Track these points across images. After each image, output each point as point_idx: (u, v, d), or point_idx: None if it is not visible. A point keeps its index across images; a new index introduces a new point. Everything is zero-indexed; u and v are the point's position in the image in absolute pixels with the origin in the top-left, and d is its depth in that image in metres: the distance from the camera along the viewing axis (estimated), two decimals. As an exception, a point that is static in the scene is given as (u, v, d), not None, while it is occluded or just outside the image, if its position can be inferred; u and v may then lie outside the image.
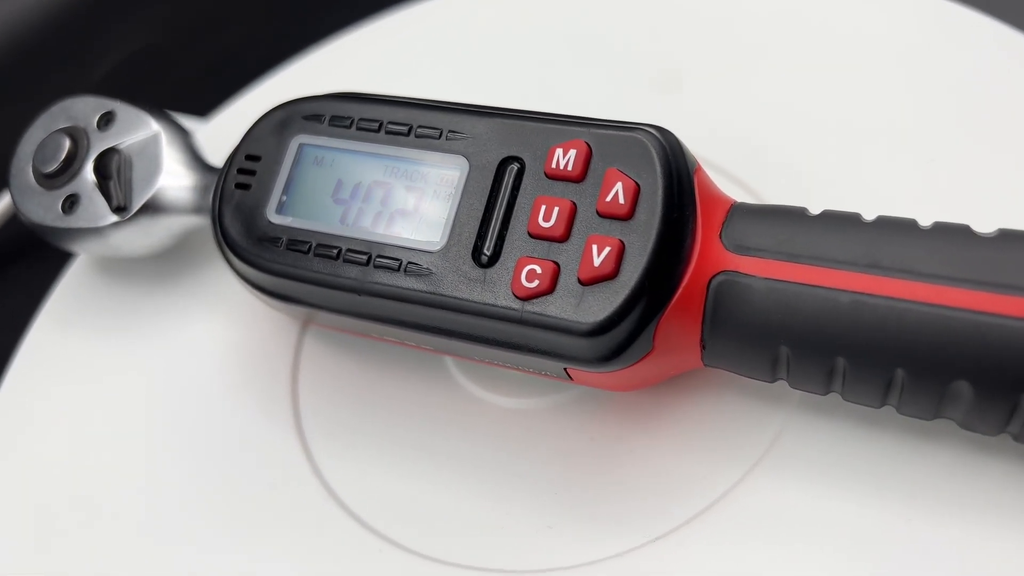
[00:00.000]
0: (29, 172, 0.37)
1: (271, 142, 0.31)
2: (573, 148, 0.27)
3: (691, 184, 0.26)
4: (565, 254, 0.26)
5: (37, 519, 0.32)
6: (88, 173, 0.35)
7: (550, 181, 0.27)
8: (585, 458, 0.30)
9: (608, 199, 0.26)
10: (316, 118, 0.31)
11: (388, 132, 0.30)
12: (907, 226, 0.26)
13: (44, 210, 0.36)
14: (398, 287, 0.28)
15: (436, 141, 0.29)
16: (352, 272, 0.28)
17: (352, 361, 0.34)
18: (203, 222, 0.35)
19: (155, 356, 0.35)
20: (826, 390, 0.27)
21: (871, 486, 0.27)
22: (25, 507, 0.33)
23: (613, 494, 0.29)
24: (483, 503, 0.30)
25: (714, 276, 0.26)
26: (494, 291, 0.27)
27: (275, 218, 0.30)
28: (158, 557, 0.31)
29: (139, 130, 0.36)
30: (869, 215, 0.27)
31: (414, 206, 0.29)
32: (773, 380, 0.27)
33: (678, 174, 0.26)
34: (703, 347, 0.27)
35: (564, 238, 0.26)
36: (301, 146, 0.31)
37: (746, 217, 0.27)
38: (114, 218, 0.35)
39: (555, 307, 0.26)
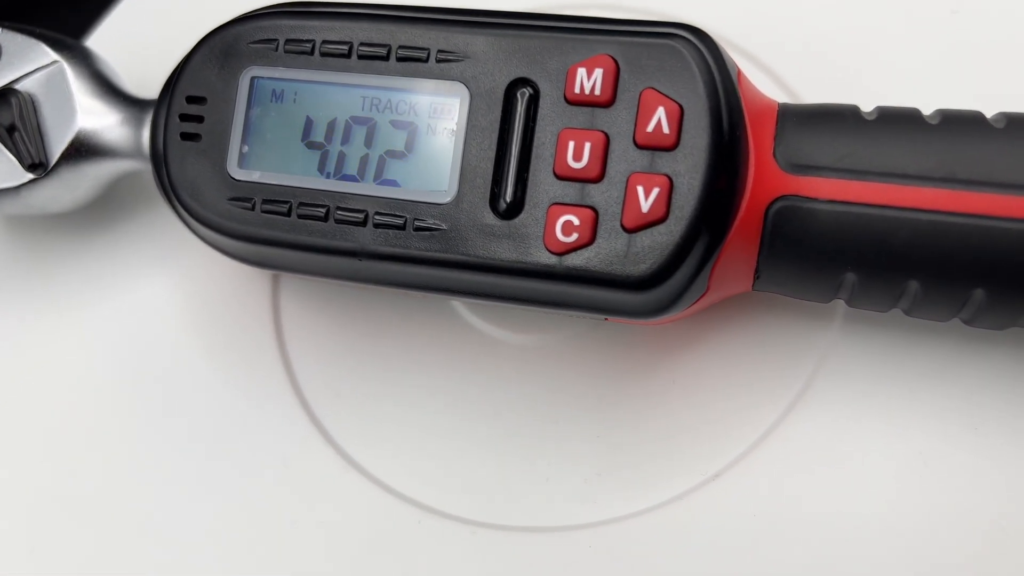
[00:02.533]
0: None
1: (214, 78, 0.26)
2: (598, 67, 0.23)
3: (738, 98, 0.23)
4: (602, 196, 0.23)
5: (29, 525, 0.29)
6: (-19, 122, 0.29)
7: (573, 108, 0.23)
8: (621, 397, 0.27)
9: (650, 128, 0.22)
10: (267, 43, 0.25)
11: (361, 56, 0.25)
12: (976, 124, 0.23)
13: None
14: (405, 249, 0.24)
15: (424, 65, 0.24)
16: (348, 234, 0.24)
17: (343, 308, 0.30)
18: (137, 165, 0.29)
19: (107, 328, 0.31)
20: (890, 309, 0.24)
21: (933, 396, 0.26)
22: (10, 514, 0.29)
23: (657, 433, 0.27)
24: (520, 457, 0.27)
25: (772, 202, 0.23)
26: (523, 246, 0.23)
27: (239, 173, 0.26)
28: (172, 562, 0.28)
29: (31, 61, 0.30)
30: (927, 109, 0.24)
31: (407, 146, 0.25)
32: (829, 302, 0.25)
33: (724, 88, 0.22)
34: (757, 276, 0.24)
35: (599, 178, 0.23)
36: (254, 79, 0.26)
37: (798, 127, 0.24)
38: (29, 176, 0.29)
39: (598, 260, 0.23)
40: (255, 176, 0.25)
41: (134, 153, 0.29)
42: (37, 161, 0.29)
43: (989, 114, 0.23)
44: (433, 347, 0.29)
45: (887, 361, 0.26)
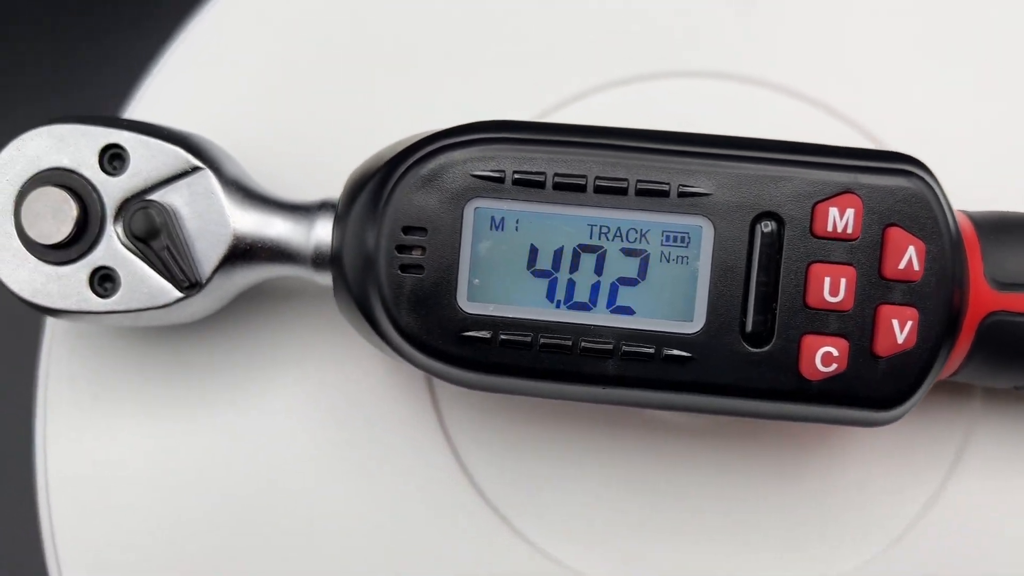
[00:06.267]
0: (15, 240, 0.27)
1: (435, 208, 0.25)
2: (848, 206, 0.24)
3: (959, 230, 0.25)
4: (853, 325, 0.25)
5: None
6: (113, 238, 0.27)
7: (819, 241, 0.25)
8: (768, 480, 0.30)
9: (901, 266, 0.24)
10: (494, 172, 0.25)
11: (598, 190, 0.25)
12: None
13: (61, 293, 0.27)
14: (656, 378, 0.25)
15: (666, 199, 0.25)
16: (594, 364, 0.25)
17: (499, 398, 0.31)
18: (294, 272, 0.28)
19: (248, 437, 0.29)
20: None
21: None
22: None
23: (809, 515, 0.29)
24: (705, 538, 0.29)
25: (984, 318, 0.26)
26: (777, 373, 0.25)
27: (470, 306, 0.25)
28: None
29: (166, 166, 0.27)
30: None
31: (640, 274, 0.25)
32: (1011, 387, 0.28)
33: (953, 221, 0.25)
34: (953, 374, 0.27)
35: (850, 309, 0.25)
36: (477, 210, 0.25)
37: (999, 245, 0.26)
38: (179, 295, 0.27)
39: (852, 384, 0.25)
40: (489, 309, 0.25)
41: (291, 260, 0.27)
42: (192, 281, 0.27)
43: None
44: (608, 434, 0.30)
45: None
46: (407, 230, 0.25)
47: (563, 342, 0.25)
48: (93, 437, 0.30)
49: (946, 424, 0.30)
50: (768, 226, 0.25)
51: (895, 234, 0.24)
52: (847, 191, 0.24)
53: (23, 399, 0.32)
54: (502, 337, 0.25)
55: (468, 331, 0.25)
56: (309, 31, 0.32)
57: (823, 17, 0.32)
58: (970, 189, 0.28)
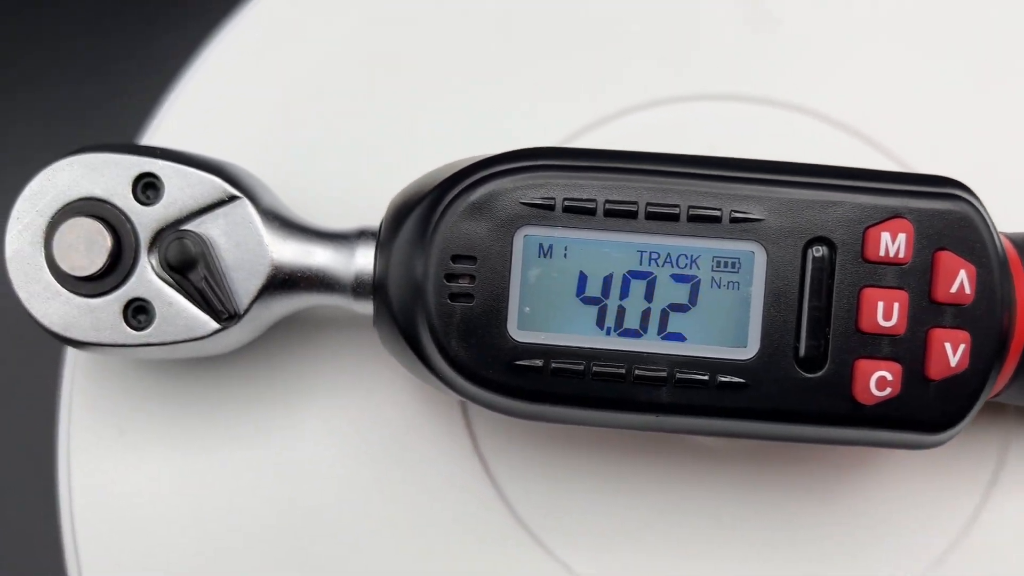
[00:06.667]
0: (46, 273, 0.27)
1: (484, 236, 0.25)
2: (900, 231, 0.24)
3: (1006, 252, 0.25)
4: (905, 349, 0.25)
5: None
6: (148, 269, 0.26)
7: (870, 266, 0.25)
8: (803, 503, 0.30)
9: (953, 289, 0.24)
10: (544, 201, 0.25)
11: (650, 216, 0.25)
12: None
13: (94, 326, 0.27)
14: (710, 405, 0.25)
15: (718, 225, 0.25)
16: (647, 394, 0.25)
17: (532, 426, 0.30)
18: (326, 299, 0.28)
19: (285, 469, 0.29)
20: None
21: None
22: None
23: (844, 539, 0.29)
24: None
25: (1030, 338, 0.26)
26: (831, 398, 0.25)
27: (522, 335, 0.25)
28: None
29: (203, 195, 0.27)
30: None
31: (691, 300, 0.25)
32: None
33: (1001, 246, 0.25)
34: (996, 395, 0.27)
35: (902, 333, 0.25)
36: (526, 237, 0.25)
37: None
38: (217, 326, 0.27)
39: (905, 408, 0.25)
40: (540, 337, 0.25)
41: (331, 289, 0.27)
42: (231, 312, 0.26)
43: None
44: (642, 457, 0.30)
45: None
46: (456, 258, 0.25)
47: (616, 370, 0.25)
48: (120, 472, 0.29)
49: (981, 443, 0.30)
50: (819, 251, 0.25)
51: (946, 258, 0.24)
52: (897, 215, 0.25)
53: (43, 430, 0.31)
54: (554, 366, 0.25)
55: (519, 360, 0.25)
56: (332, 59, 0.32)
57: (846, 36, 0.32)
58: (1005, 211, 0.28)
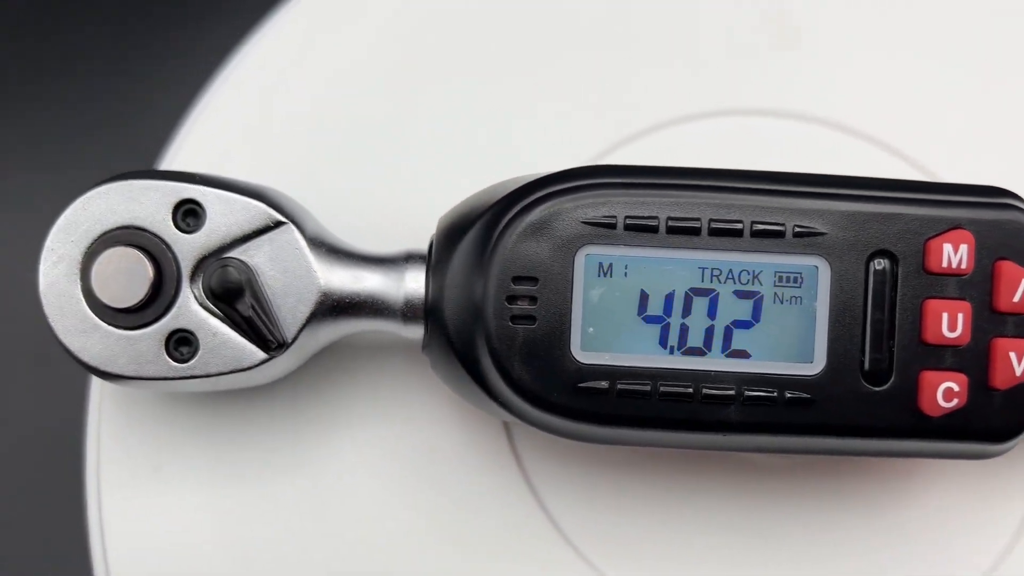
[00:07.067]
0: (82, 305, 0.25)
1: (544, 257, 0.24)
2: (961, 243, 0.24)
3: None
4: (969, 359, 0.25)
5: None
6: (190, 298, 0.26)
7: (932, 277, 0.25)
8: (850, 516, 0.29)
9: (1016, 299, 0.24)
10: (606, 219, 0.24)
11: (713, 232, 0.24)
12: None
13: (134, 360, 0.26)
14: (779, 422, 0.25)
15: (782, 240, 0.24)
16: (715, 413, 0.24)
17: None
18: (375, 325, 0.27)
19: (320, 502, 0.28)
20: None
21: None
22: None
23: (894, 552, 0.29)
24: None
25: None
26: (898, 410, 0.25)
27: (585, 356, 0.24)
28: None
29: (246, 222, 0.26)
30: None
31: (754, 316, 0.25)
32: None
33: None
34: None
35: (966, 343, 0.25)
36: (588, 256, 0.24)
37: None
38: (264, 356, 0.26)
39: (972, 419, 0.25)
40: (604, 358, 0.24)
41: (379, 314, 0.26)
42: (279, 341, 0.26)
43: None
44: (689, 473, 0.30)
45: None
46: (517, 279, 0.24)
47: (683, 389, 0.24)
48: (156, 513, 0.28)
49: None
50: (881, 264, 0.25)
51: (1007, 267, 0.25)
52: (957, 227, 0.25)
53: (68, 466, 0.30)
54: (620, 387, 0.24)
55: (584, 382, 0.24)
56: (355, 83, 0.31)
57: (871, 49, 0.32)
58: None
